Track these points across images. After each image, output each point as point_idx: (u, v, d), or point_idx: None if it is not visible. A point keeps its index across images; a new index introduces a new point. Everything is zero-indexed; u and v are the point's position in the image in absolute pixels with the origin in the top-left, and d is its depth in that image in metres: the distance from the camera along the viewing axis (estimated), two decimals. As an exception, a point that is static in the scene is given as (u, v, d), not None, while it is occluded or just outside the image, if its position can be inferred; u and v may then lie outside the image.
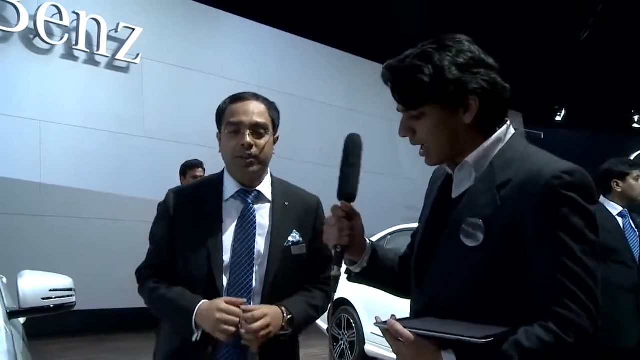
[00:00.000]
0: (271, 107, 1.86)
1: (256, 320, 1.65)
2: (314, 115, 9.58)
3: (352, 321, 5.75)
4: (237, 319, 1.65)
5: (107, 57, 7.39)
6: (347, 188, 1.40)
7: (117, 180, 7.12)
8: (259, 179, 1.84)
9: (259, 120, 1.80)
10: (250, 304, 1.73)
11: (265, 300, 1.75)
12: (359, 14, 9.77)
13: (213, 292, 1.73)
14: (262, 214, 1.84)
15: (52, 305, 2.23)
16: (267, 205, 1.85)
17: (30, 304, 2.16)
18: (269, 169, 1.89)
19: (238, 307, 1.66)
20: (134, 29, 7.49)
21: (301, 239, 1.85)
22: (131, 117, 7.51)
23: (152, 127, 7.51)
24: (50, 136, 6.87)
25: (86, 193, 6.98)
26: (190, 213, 1.84)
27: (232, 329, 1.64)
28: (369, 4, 9.84)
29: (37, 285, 2.19)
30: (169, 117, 7.75)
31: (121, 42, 7.45)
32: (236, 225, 1.82)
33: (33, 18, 6.80)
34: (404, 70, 1.28)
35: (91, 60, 7.31)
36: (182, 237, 1.81)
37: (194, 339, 1.70)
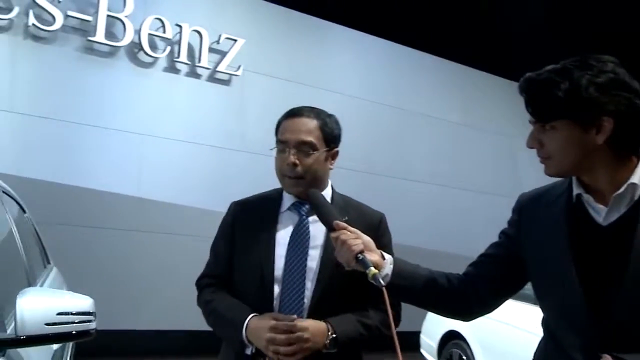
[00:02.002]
0: (326, 123, 1.85)
1: (294, 332, 1.66)
2: (426, 131, 8.93)
3: (464, 358, 5.11)
4: (289, 337, 1.66)
5: (208, 69, 7.23)
6: (329, 221, 1.61)
7: (217, 196, 6.84)
8: None
9: (306, 138, 1.80)
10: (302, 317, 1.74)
11: (312, 316, 1.74)
12: (474, 24, 9.04)
13: (264, 302, 1.75)
14: (317, 228, 1.82)
15: (58, 333, 1.81)
16: None
17: (29, 331, 1.74)
18: (329, 182, 1.90)
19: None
20: (235, 40, 7.29)
21: None
22: (232, 131, 7.28)
23: (254, 141, 7.22)
24: (150, 150, 6.77)
25: (185, 209, 6.79)
26: (248, 224, 1.87)
27: (284, 348, 1.65)
28: (488, 14, 9.09)
29: (41, 306, 1.76)
30: (272, 131, 7.41)
31: (223, 54, 7.27)
32: (290, 237, 1.82)
33: (138, 32, 6.76)
34: (540, 83, 1.31)
35: (193, 73, 7.17)
36: (239, 248, 1.85)
37: (248, 352, 1.73)
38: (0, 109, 6.11)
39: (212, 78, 7.27)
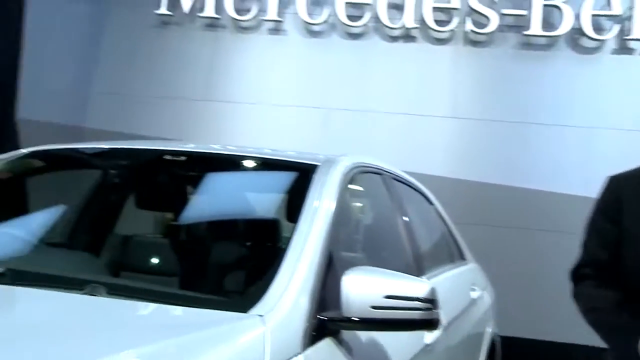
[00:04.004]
0: None
1: None
2: None
3: None
4: None
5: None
6: None
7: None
8: None
9: None
10: None
11: None
12: None
13: None
14: None
15: (391, 319, 1.59)
16: None
17: (353, 313, 1.58)
18: None
19: None
20: None
21: None
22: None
23: None
24: (598, 144, 6.06)
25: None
26: None
27: None
28: None
29: (367, 288, 1.59)
30: None
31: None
32: None
33: (577, 16, 6.17)
34: None
35: (649, 50, 6.15)
36: (633, 231, 1.65)
37: None
38: (444, 115, 6.37)
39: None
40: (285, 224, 2.01)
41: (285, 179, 2.16)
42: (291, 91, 6.60)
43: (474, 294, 3.06)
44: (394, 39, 6.53)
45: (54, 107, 6.69)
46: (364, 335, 1.72)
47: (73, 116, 6.79)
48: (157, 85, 6.69)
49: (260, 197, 2.26)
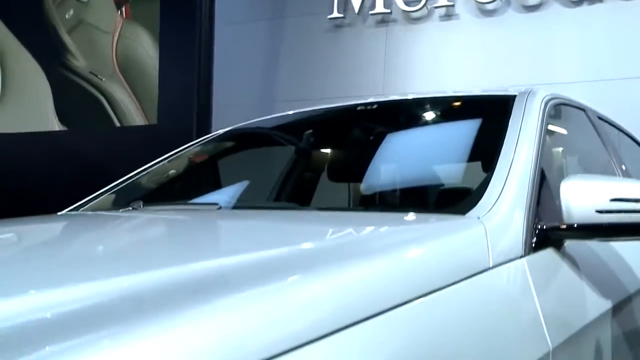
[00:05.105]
0: None
1: None
2: None
3: None
4: None
5: None
6: None
7: None
8: None
9: None
10: None
11: None
12: None
13: None
14: None
15: (616, 223, 1.42)
16: None
17: (576, 220, 1.43)
18: None
19: None
20: None
21: None
22: None
23: None
24: None
25: None
26: None
27: None
28: None
29: (589, 192, 1.43)
30: None
31: None
32: None
33: None
34: None
35: None
36: None
37: None
38: (645, 75, 5.78)
39: None
40: (490, 148, 1.90)
41: (482, 111, 2.08)
42: (469, 74, 6.40)
43: None
44: (577, 3, 6.08)
45: (241, 119, 7.14)
46: (591, 251, 1.55)
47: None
48: (334, 87, 6.86)
49: (464, 125, 2.18)
